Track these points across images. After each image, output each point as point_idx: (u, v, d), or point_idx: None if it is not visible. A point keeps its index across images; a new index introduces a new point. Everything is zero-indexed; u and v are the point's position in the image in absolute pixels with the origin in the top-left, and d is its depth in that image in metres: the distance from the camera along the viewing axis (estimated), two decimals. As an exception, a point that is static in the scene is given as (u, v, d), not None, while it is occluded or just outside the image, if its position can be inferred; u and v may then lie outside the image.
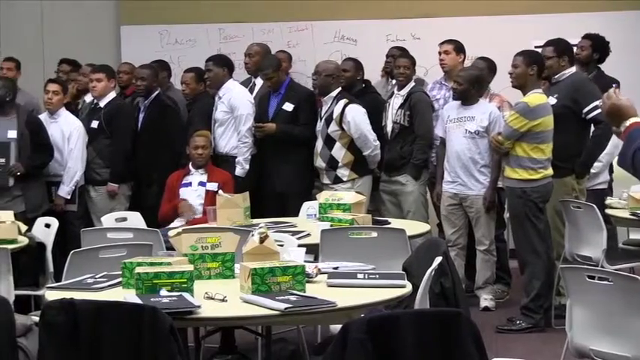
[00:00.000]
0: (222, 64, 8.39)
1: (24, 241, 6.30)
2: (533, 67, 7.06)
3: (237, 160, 8.21)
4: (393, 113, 8.14)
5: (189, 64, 9.23)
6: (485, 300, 7.73)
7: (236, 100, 8.27)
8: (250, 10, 10.29)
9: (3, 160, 7.89)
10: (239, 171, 8.18)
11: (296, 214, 7.27)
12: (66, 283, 4.70)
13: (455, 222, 7.76)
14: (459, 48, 8.42)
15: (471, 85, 7.61)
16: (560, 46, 7.40)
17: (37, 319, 4.22)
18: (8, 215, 6.37)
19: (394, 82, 8.49)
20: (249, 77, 8.91)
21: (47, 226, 6.95)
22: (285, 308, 3.93)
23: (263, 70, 8.36)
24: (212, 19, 10.35)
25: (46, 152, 8.12)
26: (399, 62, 8.25)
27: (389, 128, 8.17)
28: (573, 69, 7.42)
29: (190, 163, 7.83)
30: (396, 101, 8.17)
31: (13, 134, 7.94)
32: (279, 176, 8.16)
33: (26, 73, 9.50)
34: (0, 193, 7.90)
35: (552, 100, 7.22)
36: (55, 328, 3.72)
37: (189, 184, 7.73)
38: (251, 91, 8.63)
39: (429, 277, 4.60)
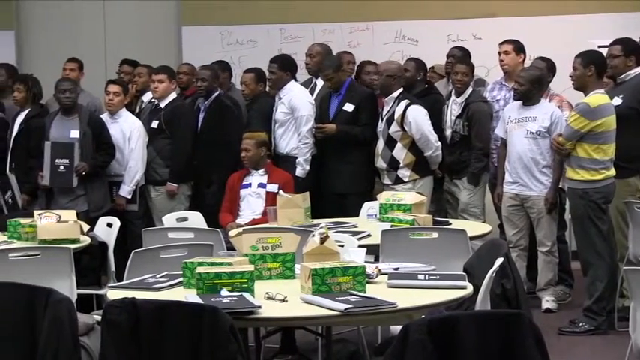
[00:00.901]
0: (287, 67, 8.39)
1: (86, 240, 6.35)
2: (591, 68, 6.98)
3: (297, 160, 8.21)
4: (451, 121, 8.12)
5: (249, 65, 9.25)
6: (547, 301, 7.65)
7: (296, 101, 8.27)
8: (311, 10, 10.30)
9: (67, 161, 7.96)
10: (299, 172, 8.18)
11: (356, 214, 7.25)
12: (127, 282, 4.73)
13: (516, 223, 7.70)
14: (519, 48, 8.35)
15: (533, 85, 7.54)
16: (628, 45, 7.31)
17: (99, 318, 4.26)
18: (71, 215, 6.43)
19: (455, 83, 8.44)
20: (310, 78, 8.91)
21: (109, 225, 7.01)
22: (346, 309, 3.91)
23: (323, 71, 8.35)
24: (273, 19, 10.37)
25: (109, 151, 8.18)
26: (457, 68, 8.20)
27: (448, 133, 8.15)
28: (639, 69, 7.31)
29: (250, 164, 7.84)
30: (454, 108, 8.14)
31: (75, 134, 8.02)
32: (339, 177, 8.14)
33: (88, 74, 9.58)
34: (63, 192, 7.99)
35: (617, 101, 7.13)
36: (117, 326, 3.74)
37: (249, 185, 7.74)
38: (312, 91, 8.62)
39: (490, 278, 4.56)
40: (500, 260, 4.66)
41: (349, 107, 8.22)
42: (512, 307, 4.81)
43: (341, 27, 10.33)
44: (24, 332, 3.98)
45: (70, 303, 3.97)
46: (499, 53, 8.37)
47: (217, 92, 8.60)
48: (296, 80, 8.57)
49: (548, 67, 8.07)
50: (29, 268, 5.58)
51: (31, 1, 10.79)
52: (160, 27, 10.75)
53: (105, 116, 8.50)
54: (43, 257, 5.70)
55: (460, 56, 8.66)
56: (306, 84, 8.75)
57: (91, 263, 6.67)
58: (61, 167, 7.95)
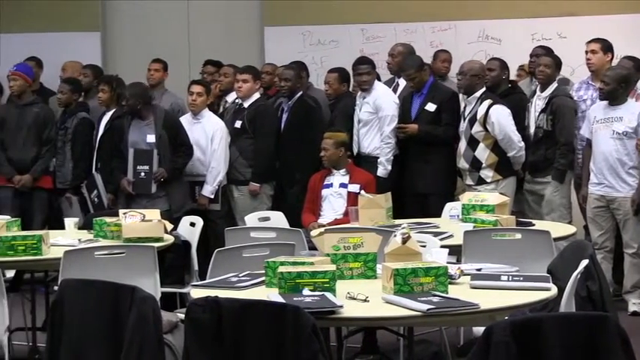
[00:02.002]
0: (374, 67, 8.41)
1: (170, 239, 6.40)
2: None
3: (379, 160, 8.20)
4: (535, 117, 8.02)
5: (331, 65, 9.27)
6: (634, 304, 7.54)
7: (381, 101, 8.26)
8: (393, 10, 10.27)
9: (147, 167, 8.04)
10: (381, 171, 8.17)
11: (438, 214, 7.21)
12: (210, 281, 4.76)
13: (602, 224, 7.59)
14: (607, 47, 8.22)
15: (619, 84, 7.43)
16: None
17: (182, 316, 4.29)
18: (155, 214, 6.49)
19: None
20: (393, 77, 8.89)
21: (192, 224, 7.06)
22: (428, 309, 3.90)
23: (406, 71, 8.32)
24: (355, 19, 10.37)
25: (187, 152, 8.23)
26: (541, 61, 8.15)
27: (532, 130, 8.05)
28: None
29: (331, 164, 7.85)
30: (538, 103, 8.04)
31: (152, 138, 8.08)
32: (421, 177, 8.11)
33: (172, 74, 9.67)
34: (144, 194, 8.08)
35: None
36: (200, 325, 3.76)
37: (331, 185, 7.74)
38: (394, 91, 8.61)
39: (575, 280, 4.51)
40: (585, 262, 4.60)
41: (431, 107, 8.18)
42: (597, 309, 4.74)
43: (423, 27, 10.28)
44: (109, 329, 4.03)
45: (154, 301, 4.01)
46: (586, 52, 8.25)
47: (300, 92, 8.63)
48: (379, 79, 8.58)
49: (636, 67, 7.93)
50: (114, 267, 5.65)
51: (116, 2, 10.92)
52: (243, 27, 10.81)
53: (187, 116, 8.57)
54: (127, 256, 5.76)
55: (546, 51, 8.57)
56: (388, 83, 8.74)
57: (174, 262, 6.73)
58: (142, 174, 8.04)
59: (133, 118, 8.15)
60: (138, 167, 8.05)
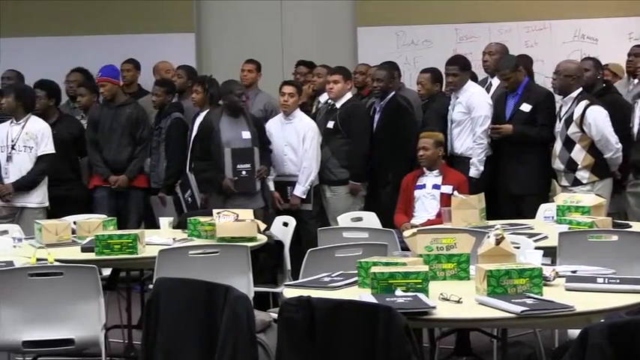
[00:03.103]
0: (467, 67, 8.36)
1: (263, 239, 6.44)
2: None
3: (471, 161, 8.14)
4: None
5: (424, 65, 9.24)
6: None
7: (474, 101, 8.20)
8: (487, 9, 10.20)
9: (249, 165, 8.09)
10: (473, 172, 8.10)
11: (532, 215, 7.14)
12: (303, 281, 4.78)
13: None
14: None
15: None
16: None
17: (275, 315, 4.31)
18: (248, 214, 6.53)
19: (636, 81, 8.20)
20: (486, 77, 8.82)
21: (285, 224, 7.09)
22: (522, 311, 3.86)
23: (500, 71, 8.25)
24: (448, 19, 10.33)
25: (269, 150, 8.32)
26: None
27: (635, 129, 7.87)
28: None
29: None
30: (644, 103, 7.89)
31: (247, 135, 8.14)
32: (515, 178, 8.02)
33: (265, 75, 9.72)
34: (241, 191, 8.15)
35: None
36: (293, 324, 3.77)
37: (423, 186, 7.70)
38: (487, 91, 8.54)
39: (674, 283, 4.41)
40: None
41: (526, 107, 8.09)
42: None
43: (518, 26, 10.19)
44: (203, 328, 4.06)
45: (247, 300, 4.03)
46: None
47: (393, 92, 8.61)
48: (475, 80, 8.52)
49: None
50: (208, 266, 5.70)
51: (210, 3, 11.02)
52: (336, 27, 10.83)
53: (279, 117, 8.61)
54: (221, 255, 5.82)
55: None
56: (481, 83, 8.68)
57: (267, 262, 6.77)
58: (243, 172, 8.08)
59: (223, 115, 8.21)
60: (238, 166, 8.09)
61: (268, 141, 8.35)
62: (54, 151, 8.23)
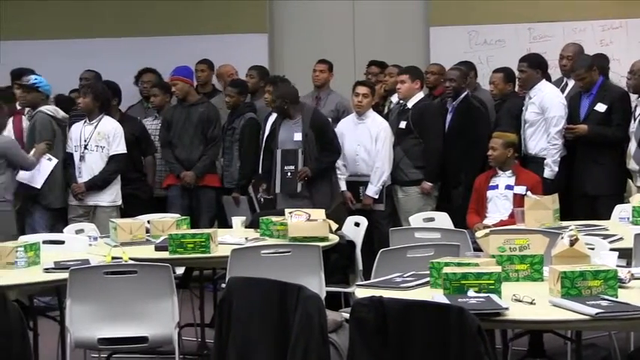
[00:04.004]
0: (536, 65, 8.26)
1: (335, 239, 6.44)
2: None
3: (545, 162, 8.06)
4: None
5: (497, 65, 9.19)
6: None
7: (548, 102, 8.12)
8: (561, 9, 10.10)
9: (292, 167, 8.12)
10: (547, 173, 8.03)
11: (607, 217, 7.06)
12: (375, 281, 4.77)
13: None
14: None
15: None
16: None
17: (347, 315, 4.31)
18: (320, 214, 6.54)
19: None
20: (562, 77, 8.73)
21: (357, 224, 7.10)
22: (597, 313, 3.82)
23: (575, 71, 8.16)
24: (521, 18, 10.24)
25: (332, 151, 8.26)
26: None
27: None
28: None
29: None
30: None
31: (298, 137, 8.16)
32: (590, 178, 7.94)
33: (337, 74, 9.73)
34: (289, 195, 8.15)
35: None
36: (365, 324, 3.77)
37: (496, 186, 7.65)
38: (562, 91, 8.46)
39: None
40: None
41: (601, 107, 8.00)
42: None
43: (592, 25, 10.08)
44: (275, 327, 4.08)
45: (319, 300, 4.04)
46: None
47: (465, 93, 8.57)
48: (549, 80, 8.44)
49: None
50: (280, 265, 5.73)
51: (283, 3, 11.06)
52: (408, 27, 10.80)
53: (352, 117, 8.61)
54: (293, 254, 5.84)
55: None
56: (557, 83, 8.60)
57: (339, 262, 6.77)
58: (289, 174, 8.12)
59: (284, 118, 8.26)
60: (285, 167, 8.14)
61: (334, 142, 8.32)
62: (126, 151, 8.34)
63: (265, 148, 8.61)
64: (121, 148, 8.30)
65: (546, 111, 8.10)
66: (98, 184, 8.23)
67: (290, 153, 8.16)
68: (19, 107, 8.65)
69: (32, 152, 8.05)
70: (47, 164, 8.13)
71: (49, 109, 8.28)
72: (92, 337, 5.19)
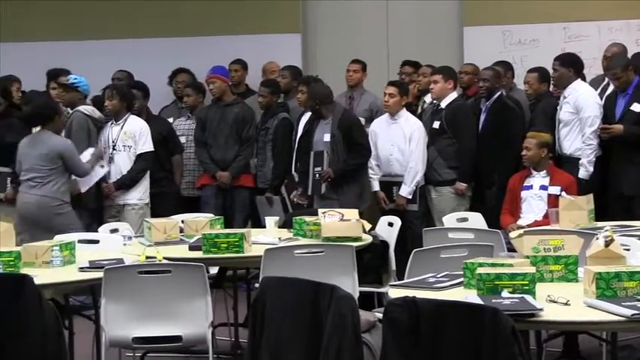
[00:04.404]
0: (569, 64, 8.22)
1: (368, 239, 6.44)
2: None
3: (581, 162, 8.02)
4: None
5: (532, 64, 9.14)
6: None
7: (582, 102, 8.07)
8: (596, 8, 10.03)
9: (319, 169, 8.12)
10: (582, 173, 7.98)
11: (644, 217, 7.02)
12: (408, 281, 4.77)
13: None
14: None
15: None
16: None
17: (380, 315, 4.31)
18: (353, 214, 6.54)
19: None
20: (602, 76, 8.66)
21: (390, 224, 7.09)
22: (633, 315, 3.79)
23: (611, 70, 8.11)
24: (556, 18, 10.18)
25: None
26: None
27: None
28: None
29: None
30: None
31: (327, 137, 8.15)
32: (625, 178, 7.88)
33: (371, 74, 9.72)
34: (318, 196, 8.15)
35: None
36: (398, 325, 3.77)
37: (530, 186, 7.62)
38: (604, 91, 8.39)
39: None
40: None
41: (637, 107, 7.94)
42: None
43: (628, 24, 10.00)
44: (308, 327, 4.08)
45: (352, 300, 4.04)
46: None
47: (499, 93, 8.53)
48: (584, 79, 8.39)
49: None
50: (313, 265, 5.73)
51: (316, 3, 11.06)
52: (442, 27, 10.77)
53: (385, 117, 8.60)
54: (326, 254, 5.84)
55: None
56: (596, 82, 8.54)
57: (372, 262, 6.77)
58: (317, 175, 8.13)
59: (318, 118, 8.27)
60: (315, 168, 8.15)
61: (363, 143, 8.28)
62: (152, 149, 8.36)
63: (298, 148, 8.63)
64: (147, 146, 8.32)
65: (581, 111, 8.05)
66: (127, 183, 8.26)
67: (318, 154, 8.16)
68: None
69: (87, 159, 8.07)
70: (99, 171, 8.13)
71: (87, 108, 8.31)
72: (127, 336, 5.22)
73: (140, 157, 8.31)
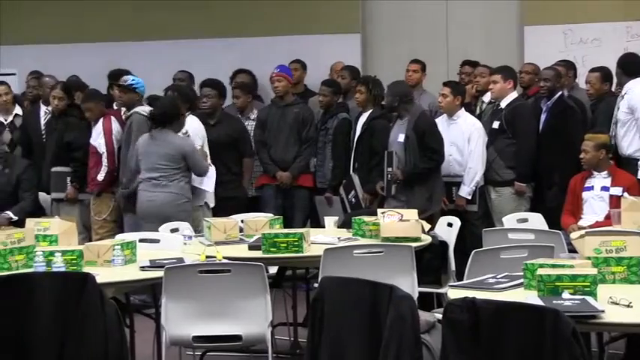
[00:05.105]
0: (622, 65, 8.14)
1: (427, 239, 6.43)
2: None
3: (639, 163, 7.93)
4: None
5: (593, 64, 9.07)
6: None
7: (636, 101, 7.98)
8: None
9: (390, 169, 8.09)
10: (642, 174, 7.91)
11: None
12: (468, 282, 4.76)
13: None
14: None
15: None
16: None
17: (439, 316, 4.30)
18: (412, 214, 6.53)
19: None
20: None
21: (449, 225, 7.07)
22: (696, 317, 3.75)
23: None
24: (619, 16, 10.09)
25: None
26: None
27: None
28: None
29: (592, 166, 7.66)
30: None
31: (402, 138, 8.08)
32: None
33: (430, 75, 9.70)
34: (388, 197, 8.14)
35: None
36: (457, 326, 3.76)
37: (592, 187, 7.55)
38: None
39: None
40: None
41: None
42: None
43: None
44: (368, 327, 4.09)
45: (411, 300, 4.04)
46: None
47: (560, 93, 8.47)
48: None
49: None
50: (372, 265, 5.73)
51: (376, 3, 11.05)
52: (502, 27, 10.71)
53: (444, 117, 8.56)
54: (385, 254, 5.83)
55: None
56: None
57: (431, 262, 6.75)
58: (389, 176, 8.11)
59: (397, 117, 8.23)
60: (387, 169, 8.13)
61: (435, 147, 8.17)
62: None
63: (356, 149, 8.62)
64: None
65: (635, 111, 7.97)
66: None
67: (389, 155, 8.13)
68: (115, 107, 8.79)
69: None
70: (212, 169, 8.12)
71: (144, 109, 8.35)
72: (187, 334, 5.26)
73: None
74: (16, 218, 8.43)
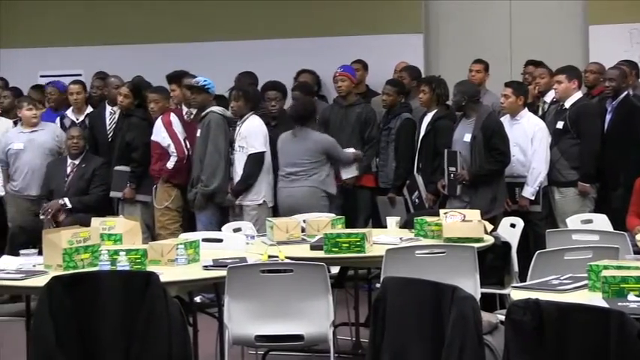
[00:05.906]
0: None
1: (490, 240, 6.40)
2: None
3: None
4: None
5: (658, 64, 8.96)
6: None
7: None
8: None
9: (453, 169, 8.05)
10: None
11: None
12: (531, 283, 4.73)
13: None
14: None
15: None
16: None
17: (502, 317, 4.28)
18: (475, 214, 6.51)
19: None
20: None
21: (512, 226, 7.02)
22: None
23: None
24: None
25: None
26: None
27: None
28: None
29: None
30: None
31: (468, 138, 8.04)
32: None
33: (494, 75, 9.64)
34: (452, 197, 8.09)
35: None
36: (521, 327, 3.74)
37: (657, 188, 7.47)
38: None
39: None
40: None
41: None
42: None
43: None
44: (430, 327, 4.09)
45: (474, 301, 4.03)
46: None
47: (626, 92, 8.38)
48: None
49: None
50: (435, 266, 5.71)
51: (438, 3, 11.02)
52: (566, 26, 10.63)
53: (508, 117, 8.49)
54: (448, 255, 5.82)
55: None
56: None
57: (494, 263, 6.71)
58: (452, 175, 8.07)
59: (463, 116, 8.20)
60: (450, 168, 8.09)
61: (501, 149, 8.09)
62: (263, 150, 8.27)
63: (420, 149, 8.60)
64: (256, 147, 8.24)
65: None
66: (238, 188, 8.27)
67: (452, 154, 8.09)
68: (173, 106, 8.88)
69: None
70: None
71: (219, 109, 8.39)
72: (249, 334, 5.29)
73: (250, 159, 8.25)
74: (69, 206, 8.60)
